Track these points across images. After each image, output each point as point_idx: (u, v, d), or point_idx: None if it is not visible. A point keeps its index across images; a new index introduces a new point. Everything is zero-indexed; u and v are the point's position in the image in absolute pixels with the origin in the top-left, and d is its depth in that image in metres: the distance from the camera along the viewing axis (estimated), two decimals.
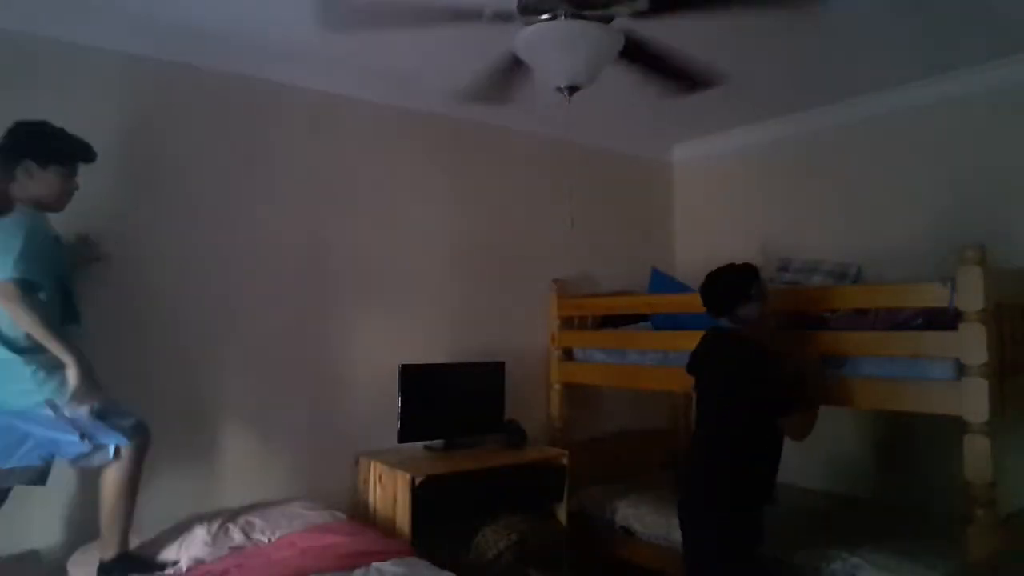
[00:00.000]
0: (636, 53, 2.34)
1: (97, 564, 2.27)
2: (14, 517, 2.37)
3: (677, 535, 3.20)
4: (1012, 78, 3.13)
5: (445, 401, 3.42)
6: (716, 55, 2.90)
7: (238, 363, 2.99)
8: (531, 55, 2.24)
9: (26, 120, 2.19)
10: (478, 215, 3.78)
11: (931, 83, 3.35)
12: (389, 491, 3.01)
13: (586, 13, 2.12)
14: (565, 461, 3.40)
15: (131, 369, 2.66)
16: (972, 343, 2.25)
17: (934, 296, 2.38)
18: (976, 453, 2.25)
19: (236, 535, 2.59)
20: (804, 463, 3.77)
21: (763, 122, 4.04)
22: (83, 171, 2.30)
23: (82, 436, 2.17)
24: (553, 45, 2.17)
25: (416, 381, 3.30)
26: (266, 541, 2.58)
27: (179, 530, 2.58)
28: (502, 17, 2.18)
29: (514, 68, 2.45)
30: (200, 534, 2.53)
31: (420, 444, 3.36)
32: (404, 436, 3.25)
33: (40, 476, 2.26)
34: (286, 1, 2.51)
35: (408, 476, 2.90)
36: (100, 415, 2.18)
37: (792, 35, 2.83)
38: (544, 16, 2.15)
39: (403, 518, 2.90)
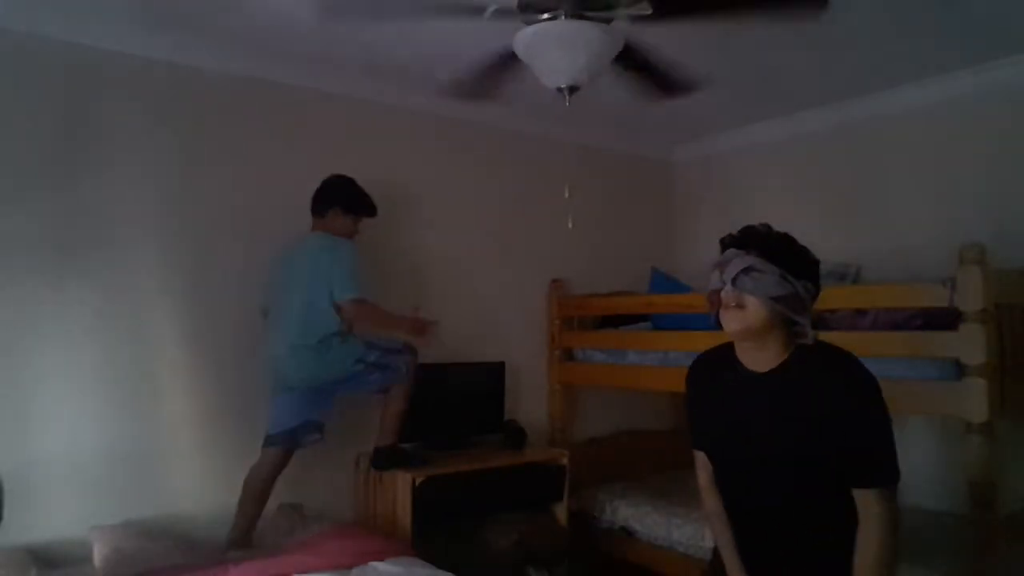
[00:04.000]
0: (624, 57, 2.33)
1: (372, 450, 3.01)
2: (22, 508, 2.39)
3: (677, 535, 3.23)
4: (1012, 78, 3.12)
5: (445, 401, 3.41)
6: (716, 55, 2.91)
7: (237, 363, 3.00)
8: (531, 55, 2.24)
9: (339, 175, 2.92)
10: (478, 215, 3.78)
11: (931, 83, 3.35)
12: (389, 491, 3.01)
13: (587, 14, 2.12)
14: (565, 461, 3.40)
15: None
16: (972, 343, 2.25)
17: (934, 296, 2.37)
18: (976, 453, 2.24)
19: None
20: None
21: (763, 122, 4.04)
22: None
23: (384, 368, 2.89)
24: (553, 45, 2.17)
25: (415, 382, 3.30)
26: (265, 540, 2.59)
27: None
28: (504, 13, 2.17)
29: (505, 64, 2.42)
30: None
31: (420, 444, 3.36)
32: (404, 436, 3.25)
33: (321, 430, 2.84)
34: None
35: (408, 476, 2.90)
36: (386, 352, 2.92)
37: (792, 36, 2.83)
38: (544, 16, 2.15)
39: (403, 518, 2.91)
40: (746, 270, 1.52)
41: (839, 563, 1.48)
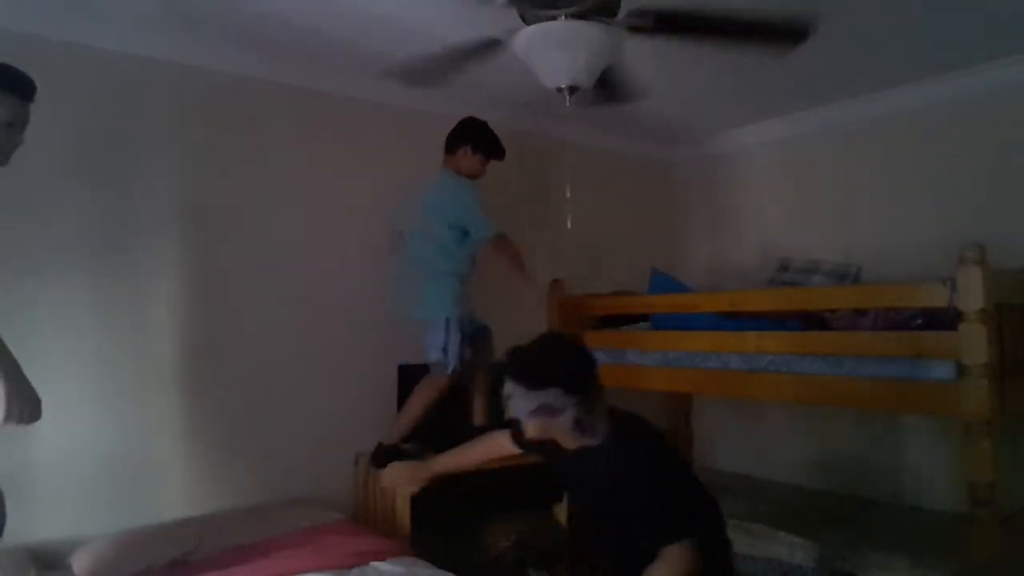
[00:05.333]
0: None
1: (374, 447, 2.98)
2: (22, 508, 2.39)
3: None
4: (1012, 78, 3.13)
5: (445, 402, 3.40)
6: (715, 55, 2.90)
7: (237, 363, 3.00)
8: (531, 55, 2.24)
9: (473, 117, 3.09)
10: None
11: (931, 83, 3.35)
12: (389, 491, 3.01)
13: (587, 14, 2.12)
14: None
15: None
16: (972, 343, 2.25)
17: (934, 296, 2.37)
18: (976, 453, 2.24)
19: (235, 534, 2.59)
20: (804, 462, 3.78)
21: (763, 122, 4.05)
22: None
23: (444, 351, 2.87)
24: (553, 45, 2.17)
25: (415, 382, 3.29)
26: (264, 540, 2.58)
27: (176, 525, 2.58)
28: (514, 3, 2.15)
29: (480, 53, 2.34)
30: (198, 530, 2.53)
31: (419, 444, 3.35)
32: (412, 434, 3.25)
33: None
34: None
35: None
36: (473, 328, 3.04)
37: None
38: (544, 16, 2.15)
39: (402, 518, 2.90)
40: (507, 397, 1.77)
41: None
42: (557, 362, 1.78)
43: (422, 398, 2.98)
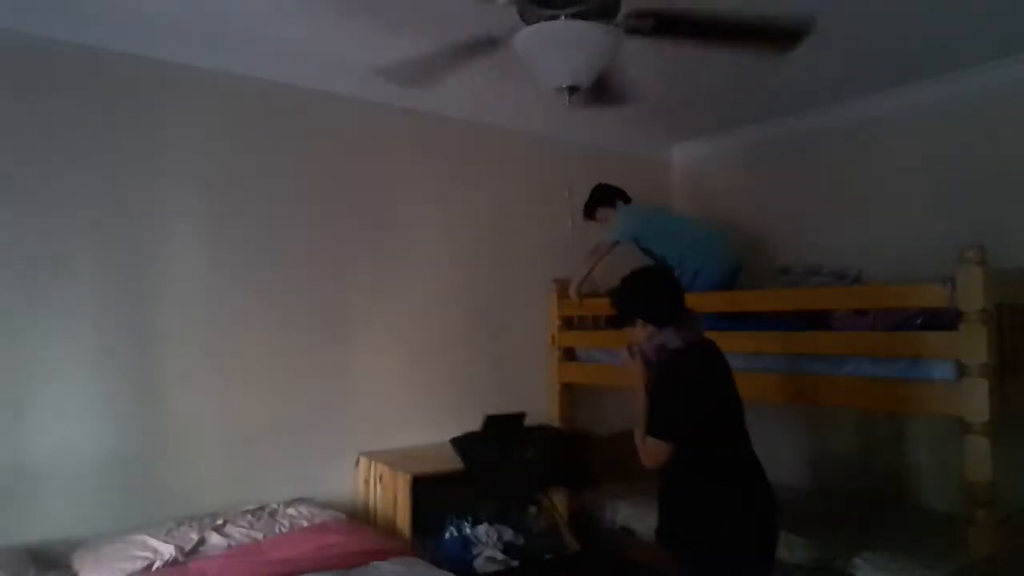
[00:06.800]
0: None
1: None
2: (23, 508, 2.41)
3: None
4: (1012, 78, 3.12)
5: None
6: (715, 55, 2.90)
7: (237, 364, 3.00)
8: (531, 55, 2.23)
9: (606, 183, 3.68)
10: (478, 215, 3.78)
11: (931, 83, 3.35)
12: (389, 491, 3.01)
13: (587, 14, 2.11)
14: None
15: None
16: (972, 343, 2.25)
17: (934, 296, 2.37)
18: (976, 453, 2.24)
19: (236, 533, 2.59)
20: (803, 462, 3.78)
21: (763, 122, 4.04)
22: None
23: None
24: (553, 45, 2.17)
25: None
26: (265, 540, 2.58)
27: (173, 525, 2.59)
28: (515, 3, 2.15)
29: (475, 52, 2.33)
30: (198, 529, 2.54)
31: (420, 444, 3.37)
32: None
33: None
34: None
35: (408, 476, 2.90)
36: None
37: None
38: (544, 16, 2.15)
39: (403, 518, 2.90)
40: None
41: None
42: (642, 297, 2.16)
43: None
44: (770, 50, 2.35)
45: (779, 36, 2.22)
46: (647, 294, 2.16)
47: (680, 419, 2.01)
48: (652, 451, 2.02)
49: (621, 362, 2.25)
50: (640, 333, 2.14)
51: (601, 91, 2.52)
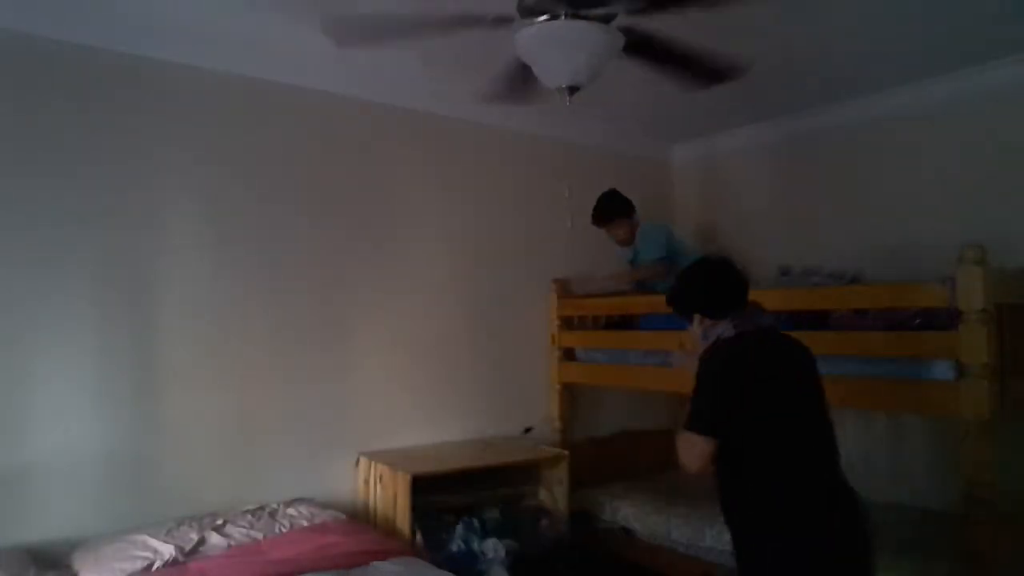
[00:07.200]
0: (644, 48, 2.32)
1: None
2: (23, 507, 2.41)
3: (677, 535, 3.23)
4: (1012, 78, 3.13)
5: None
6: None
7: (238, 364, 3.00)
8: (531, 55, 2.24)
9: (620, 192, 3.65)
10: (478, 215, 3.78)
11: (931, 83, 3.35)
12: (389, 491, 3.01)
13: (585, 13, 2.12)
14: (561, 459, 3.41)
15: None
16: (972, 343, 2.25)
17: (934, 296, 2.37)
18: (976, 453, 2.24)
19: (236, 533, 2.59)
20: None
21: (763, 122, 4.04)
22: None
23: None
24: (553, 45, 2.18)
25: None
26: (265, 540, 2.58)
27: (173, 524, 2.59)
28: (503, 20, 2.17)
29: (526, 70, 2.39)
30: (198, 529, 2.53)
31: (420, 443, 3.37)
32: None
33: None
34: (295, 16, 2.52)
35: (408, 476, 2.90)
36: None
37: (792, 35, 2.83)
38: (544, 16, 2.15)
39: (403, 518, 2.90)
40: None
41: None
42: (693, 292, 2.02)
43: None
44: (700, 83, 2.51)
45: (714, 71, 2.40)
46: (704, 284, 1.99)
47: (716, 406, 1.78)
48: (683, 444, 1.79)
49: (676, 363, 2.13)
50: (695, 331, 1.97)
51: (706, 72, 2.52)
